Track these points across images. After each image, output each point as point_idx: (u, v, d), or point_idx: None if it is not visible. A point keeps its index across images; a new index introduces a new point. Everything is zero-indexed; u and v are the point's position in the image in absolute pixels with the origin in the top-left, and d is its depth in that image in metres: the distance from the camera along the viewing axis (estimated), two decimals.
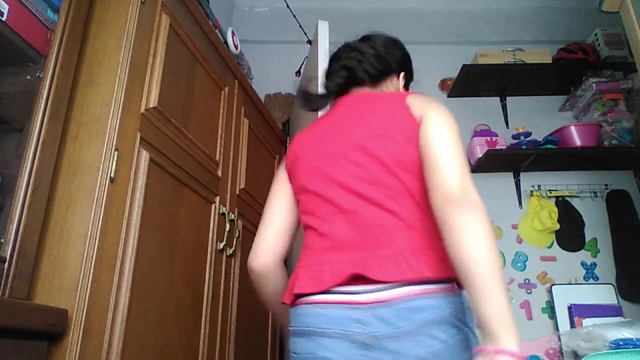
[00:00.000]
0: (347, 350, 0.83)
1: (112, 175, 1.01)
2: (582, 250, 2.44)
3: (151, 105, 1.18)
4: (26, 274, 0.88)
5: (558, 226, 2.44)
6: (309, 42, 2.29)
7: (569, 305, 2.23)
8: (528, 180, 2.57)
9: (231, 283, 1.58)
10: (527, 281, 2.38)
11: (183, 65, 1.40)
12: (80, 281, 0.91)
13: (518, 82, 2.60)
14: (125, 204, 1.06)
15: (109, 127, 1.03)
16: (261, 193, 1.95)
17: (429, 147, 0.88)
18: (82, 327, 0.88)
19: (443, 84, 2.78)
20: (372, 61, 1.09)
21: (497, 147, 2.43)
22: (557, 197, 2.53)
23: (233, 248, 1.59)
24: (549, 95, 2.73)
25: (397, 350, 0.79)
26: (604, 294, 2.28)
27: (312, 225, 0.98)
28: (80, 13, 1.10)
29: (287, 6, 2.45)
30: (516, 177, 2.57)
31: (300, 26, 2.44)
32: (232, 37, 1.90)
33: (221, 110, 1.64)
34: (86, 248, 0.93)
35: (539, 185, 2.56)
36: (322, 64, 1.71)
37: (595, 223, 2.48)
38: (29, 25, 0.99)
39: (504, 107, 2.72)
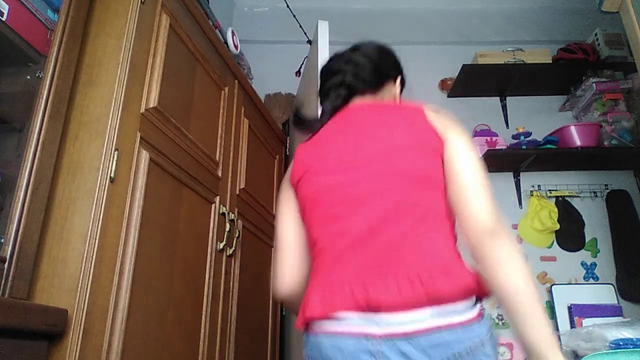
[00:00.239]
0: None
1: (112, 175, 1.01)
2: (582, 250, 2.44)
3: (151, 105, 1.18)
4: (26, 274, 0.88)
5: (558, 226, 2.44)
6: (309, 42, 2.29)
7: (569, 305, 2.23)
8: (528, 180, 2.57)
9: (231, 283, 1.58)
10: None
11: (183, 65, 1.40)
12: (80, 281, 0.91)
13: (518, 82, 2.60)
14: (125, 204, 1.06)
15: (109, 127, 1.03)
16: (261, 193, 1.96)
17: (456, 174, 0.88)
18: (82, 327, 0.88)
19: (443, 84, 2.78)
20: (369, 71, 1.06)
21: (497, 147, 2.43)
22: (557, 197, 2.53)
23: (233, 248, 1.59)
24: (549, 95, 2.73)
25: None
26: (604, 294, 2.28)
27: (323, 243, 0.92)
28: (80, 13, 1.10)
29: (287, 6, 2.45)
30: (516, 177, 2.57)
31: (300, 26, 2.44)
32: (232, 37, 1.90)
33: (221, 110, 1.64)
34: (86, 248, 0.93)
35: (539, 185, 2.56)
36: (322, 64, 1.71)
37: (595, 223, 2.48)
38: (29, 25, 0.99)
39: (504, 107, 2.72)
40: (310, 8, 2.64)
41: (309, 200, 0.96)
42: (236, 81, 1.80)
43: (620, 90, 2.47)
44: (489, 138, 2.48)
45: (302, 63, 2.38)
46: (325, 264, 0.90)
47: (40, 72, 1.00)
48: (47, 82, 0.98)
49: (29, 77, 1.00)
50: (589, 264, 2.41)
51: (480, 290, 0.83)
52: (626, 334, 1.73)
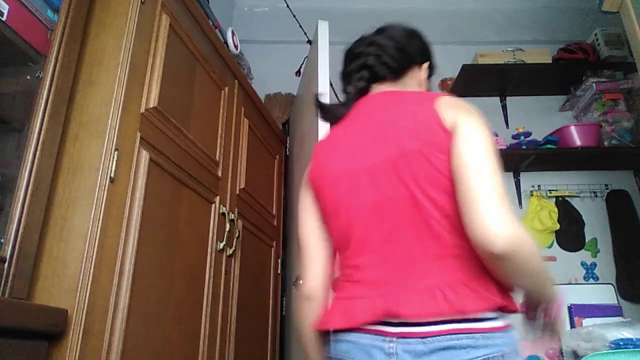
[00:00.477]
0: None
1: (112, 175, 1.01)
2: (582, 250, 2.44)
3: (151, 105, 1.18)
4: (26, 274, 0.88)
5: (558, 226, 2.44)
6: (309, 42, 2.29)
7: (569, 305, 2.23)
8: (528, 180, 2.57)
9: (231, 283, 1.58)
10: None
11: (183, 65, 1.40)
12: (80, 281, 0.91)
13: (518, 82, 2.60)
14: (125, 204, 1.06)
15: (109, 127, 1.03)
16: (261, 193, 1.96)
17: (461, 171, 0.77)
18: (82, 327, 0.88)
19: (443, 84, 2.78)
20: (392, 54, 1.00)
21: (497, 147, 2.42)
22: (557, 197, 2.53)
23: (233, 248, 1.59)
24: (549, 95, 2.72)
25: None
26: (604, 294, 2.28)
27: (344, 254, 0.91)
28: (80, 13, 1.10)
29: (287, 6, 2.45)
30: (516, 177, 2.57)
31: (300, 26, 2.44)
32: (232, 37, 1.90)
33: (221, 110, 1.64)
34: (86, 248, 0.93)
35: (539, 185, 2.56)
36: (322, 64, 1.71)
37: (595, 223, 2.48)
38: (29, 25, 0.99)
39: (504, 107, 2.72)
40: (310, 8, 2.64)
41: (328, 210, 0.95)
42: (236, 81, 1.80)
43: (620, 90, 2.47)
44: None
45: (302, 63, 2.38)
46: (345, 275, 0.90)
47: (40, 72, 1.00)
48: (47, 82, 0.98)
49: (29, 77, 1.00)
50: (589, 264, 2.41)
51: (506, 304, 0.78)
52: (626, 334, 1.73)
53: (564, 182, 2.55)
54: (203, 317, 1.36)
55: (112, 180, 1.01)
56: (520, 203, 2.53)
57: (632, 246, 2.36)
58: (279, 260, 2.11)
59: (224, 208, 1.56)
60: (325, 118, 1.06)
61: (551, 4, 2.94)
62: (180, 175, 1.32)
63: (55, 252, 0.93)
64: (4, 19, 0.92)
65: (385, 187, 0.84)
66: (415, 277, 0.80)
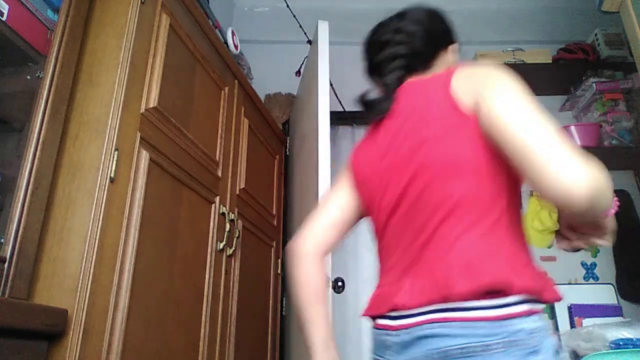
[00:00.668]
0: None
1: (112, 175, 1.01)
2: (582, 250, 2.44)
3: (151, 105, 1.18)
4: (26, 274, 0.88)
5: (558, 226, 2.43)
6: (309, 42, 2.29)
7: (569, 305, 2.23)
8: None
9: (231, 283, 1.58)
10: None
11: (183, 65, 1.40)
12: (80, 281, 0.91)
13: None
14: (125, 204, 1.06)
15: (109, 127, 1.03)
16: (261, 193, 1.96)
17: (508, 134, 0.71)
18: (82, 327, 0.89)
19: None
20: (423, 41, 0.97)
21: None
22: None
23: (233, 248, 1.59)
24: (549, 95, 2.72)
25: None
26: (604, 294, 2.28)
27: (379, 247, 0.94)
28: (80, 13, 1.10)
29: (287, 6, 2.45)
30: None
31: (300, 26, 2.44)
32: (232, 37, 1.90)
33: (221, 110, 1.64)
34: (86, 248, 0.93)
35: None
36: (323, 63, 1.71)
37: None
38: (29, 25, 0.99)
39: None
40: (310, 8, 2.63)
41: (365, 202, 0.97)
42: (236, 81, 1.80)
43: (620, 90, 2.47)
44: None
45: (302, 63, 2.38)
46: (381, 264, 0.94)
47: (40, 72, 1.00)
48: (47, 82, 0.98)
49: (29, 77, 1.00)
50: (589, 264, 2.41)
51: (527, 289, 0.75)
52: (626, 334, 1.73)
53: None
54: (203, 317, 1.36)
55: (112, 180, 1.01)
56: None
57: (632, 246, 2.36)
58: (279, 260, 2.11)
59: (224, 208, 1.56)
60: (374, 116, 0.97)
61: (551, 4, 2.94)
62: (180, 175, 1.32)
63: (55, 252, 0.93)
64: (4, 19, 0.92)
65: (405, 181, 0.85)
66: (419, 266, 0.81)
